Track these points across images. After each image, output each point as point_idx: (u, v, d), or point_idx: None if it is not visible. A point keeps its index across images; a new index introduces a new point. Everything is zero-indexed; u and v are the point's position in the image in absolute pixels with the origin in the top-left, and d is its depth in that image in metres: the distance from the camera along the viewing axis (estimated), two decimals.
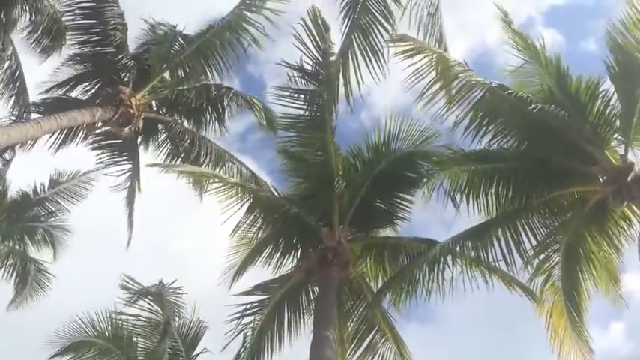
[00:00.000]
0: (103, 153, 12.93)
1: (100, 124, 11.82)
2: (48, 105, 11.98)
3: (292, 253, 10.74)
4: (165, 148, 12.95)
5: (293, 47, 9.22)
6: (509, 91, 9.00)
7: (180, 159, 12.85)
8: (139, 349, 11.21)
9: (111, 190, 12.99)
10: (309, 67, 9.40)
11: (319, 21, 9.03)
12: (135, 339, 11.22)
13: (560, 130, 8.82)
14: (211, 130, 12.91)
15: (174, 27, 12.10)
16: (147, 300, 11.14)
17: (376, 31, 8.53)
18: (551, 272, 9.15)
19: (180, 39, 11.95)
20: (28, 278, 14.01)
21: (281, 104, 10.04)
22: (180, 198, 14.34)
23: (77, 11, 11.63)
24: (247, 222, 10.38)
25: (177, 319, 11.29)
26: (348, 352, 10.37)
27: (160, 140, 12.95)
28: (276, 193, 10.92)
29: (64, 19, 11.96)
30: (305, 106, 9.75)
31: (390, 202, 10.84)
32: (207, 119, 12.79)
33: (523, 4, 22.78)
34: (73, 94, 12.28)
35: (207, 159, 12.61)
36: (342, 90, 8.68)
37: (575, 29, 24.37)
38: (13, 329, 15.50)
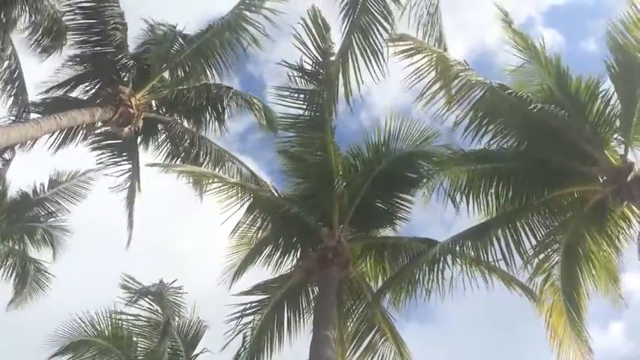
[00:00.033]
0: (102, 153, 12.94)
1: (99, 124, 11.82)
2: (47, 105, 11.97)
3: (292, 253, 10.74)
4: (165, 148, 12.95)
5: (293, 47, 9.24)
6: (509, 90, 9.01)
7: (180, 159, 12.85)
8: (138, 348, 11.20)
9: (111, 191, 13.00)
10: (309, 67, 9.40)
11: (319, 21, 9.03)
12: (135, 339, 11.21)
13: (560, 130, 8.83)
14: (211, 130, 12.94)
15: (174, 27, 12.10)
16: (147, 300, 11.13)
17: (376, 31, 8.53)
18: (551, 272, 9.16)
19: (179, 39, 11.95)
20: (28, 278, 14.00)
21: (281, 104, 10.07)
22: (180, 198, 14.35)
23: (77, 11, 11.63)
24: (247, 222, 10.39)
25: (177, 318, 11.28)
26: (348, 351, 10.37)
27: (159, 140, 12.95)
28: (276, 193, 10.92)
29: (64, 18, 11.96)
30: (305, 106, 9.75)
31: (389, 202, 10.85)
32: (207, 119, 12.80)
33: (523, 4, 22.81)
34: (73, 94, 12.30)
35: (207, 159, 12.61)
36: (341, 90, 8.70)
37: (575, 29, 24.39)
38: (13, 329, 15.51)
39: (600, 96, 8.86)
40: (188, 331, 11.42)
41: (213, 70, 12.20)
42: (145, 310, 11.22)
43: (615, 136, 8.98)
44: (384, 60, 8.44)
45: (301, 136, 10.18)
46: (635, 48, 8.50)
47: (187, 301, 11.40)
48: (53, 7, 12.11)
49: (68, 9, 11.66)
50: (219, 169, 12.41)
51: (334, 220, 10.12)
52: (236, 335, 9.80)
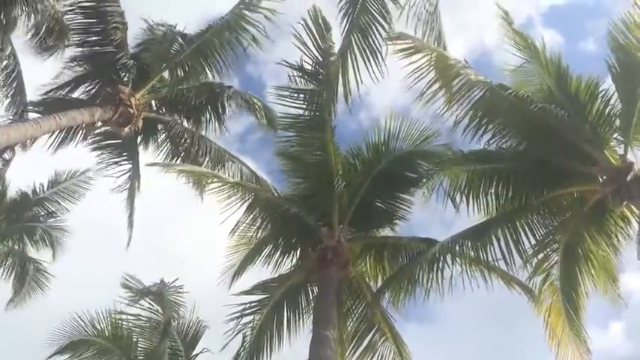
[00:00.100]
0: (102, 153, 12.94)
1: (99, 123, 11.83)
2: (47, 104, 11.97)
3: (292, 253, 10.74)
4: (165, 148, 12.97)
5: (292, 48, 9.24)
6: (509, 90, 9.01)
7: (179, 158, 12.86)
8: (138, 348, 11.19)
9: (111, 191, 13.01)
10: (309, 67, 9.40)
11: (320, 20, 9.03)
12: (135, 339, 11.20)
13: (560, 130, 8.82)
14: (211, 130, 12.95)
15: (174, 27, 12.10)
16: (147, 300, 11.12)
17: (375, 30, 8.52)
18: (550, 272, 9.15)
19: (179, 38, 11.96)
20: (27, 278, 13.99)
21: (281, 104, 10.07)
22: (180, 198, 14.35)
23: (77, 10, 11.64)
24: (247, 221, 10.38)
25: (177, 318, 11.27)
26: (348, 351, 10.36)
27: (159, 140, 12.96)
28: (275, 193, 10.92)
29: (64, 18, 11.96)
30: (305, 106, 9.75)
31: (389, 201, 10.85)
32: (207, 118, 12.81)
33: (522, 4, 22.83)
34: (73, 95, 12.30)
35: (207, 158, 12.61)
36: (341, 90, 8.70)
37: (574, 29, 24.41)
38: (13, 329, 15.50)
39: (600, 96, 8.86)
40: (187, 331, 11.42)
41: (213, 70, 12.22)
42: (145, 309, 11.22)
43: (615, 135, 8.97)
44: (383, 60, 8.43)
45: (301, 136, 10.18)
46: (636, 48, 8.50)
47: (187, 301, 11.41)
48: (54, 7, 12.11)
49: (69, 8, 11.66)
50: (220, 169, 12.42)
51: (334, 219, 10.12)
52: (236, 335, 9.82)
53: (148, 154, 13.03)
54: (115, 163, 12.96)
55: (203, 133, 12.85)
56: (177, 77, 12.16)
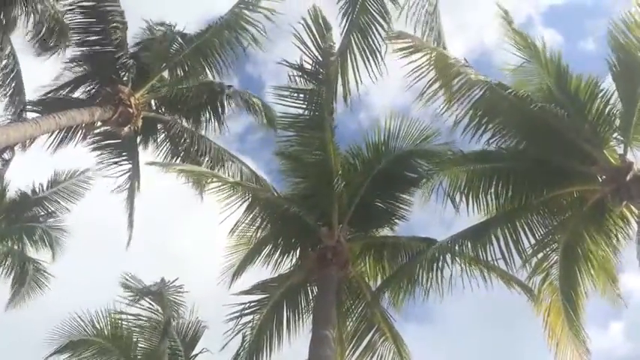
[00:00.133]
0: (102, 153, 12.94)
1: (99, 123, 11.82)
2: (46, 104, 11.97)
3: (291, 253, 10.74)
4: (165, 148, 12.97)
5: (292, 48, 9.25)
6: (509, 89, 9.01)
7: (179, 158, 12.85)
8: (138, 348, 11.19)
9: (111, 191, 13.01)
10: (309, 67, 9.40)
11: (320, 20, 9.03)
12: (134, 339, 11.19)
13: (560, 130, 8.82)
14: (211, 129, 12.95)
15: (173, 26, 12.11)
16: (147, 299, 11.11)
17: (375, 30, 8.53)
18: (550, 272, 9.15)
19: (179, 38, 11.96)
20: (26, 278, 13.98)
21: (280, 104, 10.07)
22: (180, 198, 14.35)
23: (77, 10, 11.63)
24: (246, 221, 10.38)
25: (176, 318, 11.26)
26: (347, 351, 10.36)
27: (159, 139, 12.97)
28: (275, 193, 10.92)
29: (65, 18, 11.96)
30: (304, 106, 9.75)
31: (389, 201, 10.85)
32: (207, 118, 12.81)
33: (522, 4, 22.84)
34: (73, 95, 12.29)
35: (207, 158, 12.61)
36: (341, 89, 8.70)
37: (573, 29, 24.43)
38: (12, 328, 15.49)
39: (600, 95, 8.86)
40: (187, 331, 11.41)
41: (213, 70, 12.22)
42: (145, 309, 11.22)
43: (615, 135, 8.98)
44: (382, 59, 8.43)
45: (301, 136, 10.18)
46: (636, 47, 8.50)
47: (187, 300, 11.41)
48: (54, 7, 12.11)
49: (68, 8, 11.67)
50: (219, 169, 12.42)
51: (333, 219, 10.12)
52: (235, 335, 9.82)
53: (147, 154, 13.05)
54: (115, 162, 12.96)
55: (203, 132, 12.85)
56: (177, 77, 12.16)
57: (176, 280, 11.36)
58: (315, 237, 10.14)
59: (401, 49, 8.85)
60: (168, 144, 12.92)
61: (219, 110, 12.76)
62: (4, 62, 12.01)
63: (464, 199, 9.51)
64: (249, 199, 10.23)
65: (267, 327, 10.14)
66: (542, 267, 9.10)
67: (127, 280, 10.78)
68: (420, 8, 8.68)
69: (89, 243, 16.74)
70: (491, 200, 9.54)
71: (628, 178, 8.48)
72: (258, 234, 10.56)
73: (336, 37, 9.00)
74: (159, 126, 12.95)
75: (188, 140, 12.65)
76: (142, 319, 11.21)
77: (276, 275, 10.62)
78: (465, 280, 9.11)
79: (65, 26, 12.02)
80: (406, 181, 10.75)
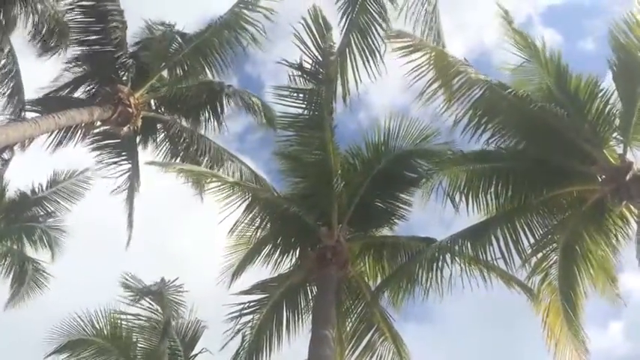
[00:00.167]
0: (101, 152, 12.93)
1: (98, 123, 11.82)
2: (46, 104, 11.96)
3: (291, 253, 10.73)
4: (164, 147, 12.96)
5: (291, 48, 9.25)
6: (509, 89, 9.01)
7: (179, 158, 12.84)
8: (137, 348, 11.17)
9: (110, 191, 13.00)
10: (309, 66, 9.39)
11: (320, 20, 9.02)
12: (134, 338, 11.18)
13: (559, 129, 8.82)
14: (210, 129, 12.95)
15: (173, 26, 12.10)
16: (147, 299, 11.09)
17: (374, 30, 8.53)
18: (549, 271, 9.15)
19: (178, 37, 11.96)
20: (26, 277, 13.97)
21: (280, 103, 10.07)
22: (180, 198, 14.34)
23: (77, 9, 11.63)
24: (246, 221, 10.37)
25: (176, 318, 11.24)
26: (347, 351, 10.35)
27: (158, 139, 12.96)
28: (275, 193, 10.92)
29: (65, 18, 11.95)
30: (304, 106, 9.74)
31: (389, 201, 10.84)
32: (207, 117, 12.80)
33: (522, 4, 22.84)
34: (73, 95, 12.29)
35: (206, 158, 12.60)
36: (340, 89, 8.71)
37: (572, 29, 24.43)
38: (11, 328, 15.49)
39: (600, 95, 8.87)
40: (187, 331, 11.39)
41: (212, 69, 12.22)
42: (145, 309, 11.19)
43: (614, 135, 8.98)
44: (382, 59, 8.43)
45: (300, 135, 10.17)
46: (636, 47, 8.50)
47: (186, 300, 11.38)
48: (54, 7, 12.10)
49: (68, 7, 11.66)
50: (219, 168, 12.41)
51: (333, 219, 10.12)
52: (235, 335, 9.81)
53: (147, 154, 13.05)
54: (114, 162, 12.95)
55: (202, 132, 12.85)
56: (177, 76, 12.16)
57: (176, 279, 11.36)
58: (314, 237, 10.14)
59: (400, 48, 8.86)
60: (167, 144, 12.91)
61: (219, 110, 12.76)
62: (2, 62, 11.99)
63: (463, 198, 9.51)
64: (249, 199, 10.22)
65: (266, 327, 10.13)
66: (542, 267, 9.10)
67: (127, 279, 10.75)
68: (420, 8, 8.68)
69: (89, 243, 16.75)
70: (491, 200, 9.55)
71: (627, 177, 8.48)
72: (258, 234, 10.55)
73: (336, 37, 9.02)
74: (158, 126, 12.94)
75: (187, 140, 12.65)
76: (142, 319, 11.19)
77: (276, 275, 10.62)
78: (464, 280, 9.10)
79: (65, 26, 12.01)
80: (406, 181, 10.75)
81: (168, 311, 10.87)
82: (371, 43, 8.50)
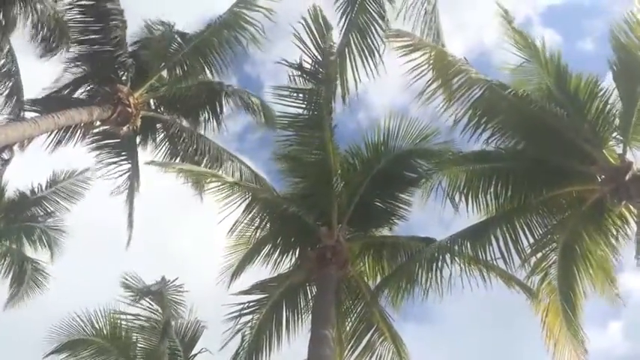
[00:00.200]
0: (101, 152, 12.92)
1: (97, 123, 11.81)
2: (45, 103, 11.96)
3: (290, 253, 10.72)
4: (164, 147, 12.96)
5: (290, 48, 9.24)
6: (509, 89, 9.01)
7: (178, 158, 12.84)
8: (137, 348, 11.16)
9: (110, 192, 13.00)
10: (309, 66, 9.39)
11: (320, 20, 9.02)
12: (134, 338, 11.17)
13: (559, 129, 8.82)
14: (210, 129, 12.95)
15: (172, 25, 12.10)
16: (147, 299, 11.08)
17: (373, 30, 8.53)
18: (548, 271, 9.15)
19: (177, 37, 11.96)
20: (25, 277, 13.96)
21: (280, 103, 10.06)
22: (180, 198, 14.34)
23: (77, 9, 11.63)
24: (245, 221, 10.36)
25: (176, 317, 11.23)
26: (346, 351, 10.35)
27: (158, 139, 12.95)
28: (274, 192, 10.91)
29: (65, 18, 11.95)
30: (304, 105, 9.74)
31: (388, 201, 10.84)
32: (206, 117, 12.80)
33: (521, 4, 22.84)
34: (72, 95, 12.29)
35: (206, 157, 12.59)
36: (340, 89, 8.70)
37: (572, 29, 24.44)
38: (11, 328, 15.48)
39: (599, 95, 8.87)
40: (186, 331, 11.39)
41: (212, 69, 12.22)
42: (144, 309, 11.18)
43: (614, 135, 8.98)
44: (381, 59, 8.44)
45: (300, 135, 10.16)
46: (637, 47, 8.49)
47: (186, 300, 11.38)
48: (53, 8, 12.09)
49: (68, 7, 11.66)
50: (219, 168, 12.40)
51: (333, 219, 10.12)
52: (235, 335, 9.81)
53: (146, 154, 13.04)
54: (114, 162, 12.95)
55: (202, 132, 12.84)
56: (176, 76, 12.16)
57: (177, 279, 11.34)
58: (314, 237, 10.13)
59: (400, 48, 8.86)
60: (167, 143, 12.91)
61: (218, 109, 12.75)
62: (2, 61, 11.98)
63: (463, 198, 9.51)
64: (249, 199, 10.21)
65: (266, 327, 10.13)
66: (541, 267, 9.10)
67: (127, 279, 10.74)
68: (419, 8, 8.68)
69: (89, 243, 16.74)
70: (491, 200, 9.54)
71: (627, 177, 8.48)
72: (258, 234, 10.54)
73: (335, 37, 9.01)
74: (158, 125, 12.94)
75: (187, 140, 12.64)
76: (142, 319, 11.18)
77: (276, 275, 10.61)
78: (464, 280, 9.09)
79: (65, 26, 12.01)
80: (405, 181, 10.75)
81: (168, 311, 10.86)
82: (370, 43, 8.50)
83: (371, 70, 8.41)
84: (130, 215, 13.11)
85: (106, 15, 11.46)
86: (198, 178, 11.74)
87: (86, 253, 16.92)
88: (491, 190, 9.48)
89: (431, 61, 8.96)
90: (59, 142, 12.17)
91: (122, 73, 11.98)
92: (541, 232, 9.20)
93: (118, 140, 12.58)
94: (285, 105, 9.93)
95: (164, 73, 12.29)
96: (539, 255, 9.16)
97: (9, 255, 14.12)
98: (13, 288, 13.97)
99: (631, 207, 8.82)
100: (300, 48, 9.16)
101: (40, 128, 10.31)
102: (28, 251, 14.52)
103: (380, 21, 8.49)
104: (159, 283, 11.04)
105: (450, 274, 9.09)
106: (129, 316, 11.10)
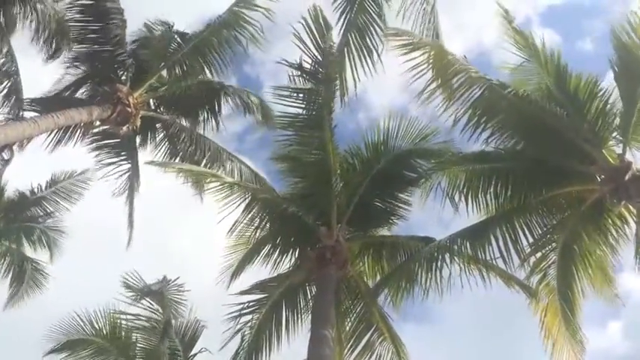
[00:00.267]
0: (101, 152, 12.92)
1: (97, 122, 11.81)
2: (45, 103, 11.96)
3: (290, 253, 10.72)
4: (164, 147, 12.95)
5: (289, 48, 9.24)
6: (508, 89, 9.01)
7: (178, 157, 12.84)
8: (137, 348, 11.15)
9: (111, 192, 13.00)
10: (309, 66, 9.39)
11: (320, 20, 9.01)
12: (133, 338, 11.16)
13: (559, 129, 8.83)
14: (209, 128, 12.95)
15: (172, 25, 12.10)
16: (147, 299, 11.06)
17: (373, 30, 8.53)
18: (547, 271, 9.15)
19: (177, 37, 11.96)
20: (25, 277, 13.97)
21: (280, 103, 10.05)
22: (179, 197, 14.34)
23: (77, 8, 11.63)
24: (245, 221, 10.35)
25: (176, 317, 11.22)
26: (346, 351, 10.35)
27: (157, 139, 12.95)
28: (274, 192, 10.91)
29: (65, 17, 11.95)
30: (303, 105, 9.74)
31: (388, 201, 10.83)
32: (206, 117, 12.79)
33: (520, 4, 22.86)
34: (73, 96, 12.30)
35: (206, 157, 12.58)
36: (339, 89, 8.71)
37: (571, 29, 24.45)
38: (10, 327, 15.48)
39: (599, 95, 8.86)
40: (186, 331, 11.38)
41: (211, 68, 12.22)
42: (145, 309, 11.17)
43: (614, 134, 8.98)
44: (379, 58, 8.44)
45: (300, 135, 10.14)
46: (639, 47, 8.49)
47: (186, 300, 11.37)
48: (53, 8, 12.10)
49: (68, 6, 11.66)
50: (219, 168, 12.40)
51: (332, 219, 10.11)
52: (234, 335, 9.80)
53: (146, 154, 13.04)
54: (114, 162, 12.95)
55: (201, 131, 12.84)
56: (176, 76, 12.16)
57: (177, 278, 11.32)
58: (313, 236, 10.13)
59: (399, 46, 8.85)
60: (167, 143, 12.91)
61: (217, 109, 12.75)
62: (1, 61, 11.98)
63: (463, 198, 9.51)
64: (248, 199, 10.20)
65: (266, 327, 10.13)
66: (540, 267, 9.11)
67: (128, 279, 10.72)
68: (418, 8, 8.68)
69: (89, 243, 16.74)
70: (491, 200, 9.54)
71: (627, 177, 8.48)
72: (257, 234, 10.52)
73: (334, 37, 9.00)
74: (157, 125, 12.94)
75: (187, 139, 12.64)
76: (142, 319, 11.17)
77: (275, 275, 10.61)
78: (463, 280, 9.09)
79: (66, 28, 12.01)
80: (405, 181, 10.74)
81: (169, 311, 10.86)
82: (369, 43, 8.50)
83: (370, 70, 8.41)
84: (130, 215, 13.12)
85: (105, 14, 11.46)
86: (198, 178, 11.74)
87: (86, 253, 16.93)
88: (491, 189, 9.48)
89: (430, 61, 8.96)
90: (59, 142, 12.17)
91: (122, 72, 11.98)
92: (540, 232, 9.21)
93: (118, 140, 12.58)
94: (284, 105, 9.93)
95: (164, 72, 12.29)
96: (538, 255, 9.16)
97: (9, 255, 14.12)
98: (12, 288, 13.98)
99: (630, 207, 8.82)
100: (300, 48, 9.16)
101: (40, 128, 10.31)
102: (28, 251, 14.53)
103: (379, 21, 8.49)
104: (160, 282, 11.03)
105: (450, 274, 9.11)
106: (129, 316, 11.09)
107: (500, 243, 8.95)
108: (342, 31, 8.44)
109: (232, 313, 9.92)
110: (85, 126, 11.87)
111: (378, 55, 8.41)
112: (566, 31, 24.34)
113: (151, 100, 12.61)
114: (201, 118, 12.81)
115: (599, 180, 8.88)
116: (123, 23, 11.68)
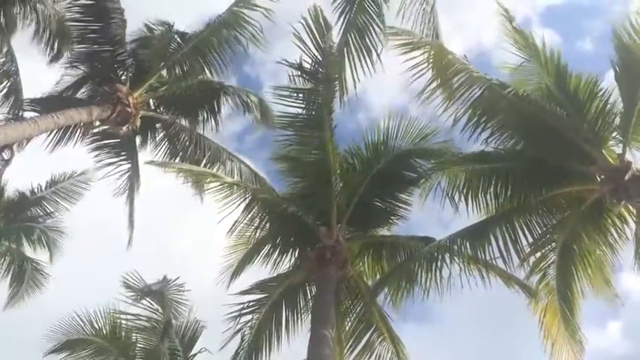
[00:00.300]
0: (101, 152, 12.92)
1: (97, 122, 11.81)
2: (44, 103, 11.96)
3: (290, 252, 10.72)
4: (163, 147, 12.95)
5: (289, 49, 9.25)
6: (508, 88, 9.01)
7: (178, 157, 12.84)
8: (137, 348, 11.15)
9: (111, 192, 13.00)
10: (309, 66, 9.39)
11: (320, 20, 9.02)
12: (133, 338, 11.16)
13: (559, 129, 8.83)
14: (209, 128, 12.95)
15: (171, 25, 12.10)
16: (147, 299, 11.06)
17: (372, 30, 8.53)
18: (547, 271, 9.15)
19: (177, 37, 11.96)
20: (25, 277, 13.97)
21: (280, 103, 10.06)
22: (179, 197, 14.34)
23: (77, 8, 11.63)
24: (245, 221, 10.35)
25: (176, 317, 11.22)
26: (346, 351, 10.36)
27: (157, 139, 12.95)
28: (274, 192, 10.91)
29: (65, 18, 11.95)
30: (303, 105, 9.74)
31: (388, 201, 10.84)
32: (205, 117, 12.79)
33: (520, 4, 22.87)
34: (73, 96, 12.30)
35: (206, 157, 12.59)
36: (339, 89, 8.71)
37: (571, 29, 24.46)
38: (10, 327, 15.48)
39: (599, 95, 8.86)
40: (186, 331, 11.37)
41: (211, 68, 12.22)
42: (145, 308, 11.17)
43: (613, 135, 8.98)
44: (379, 58, 8.44)
45: (299, 135, 10.15)
46: (639, 48, 8.50)
47: (186, 300, 11.37)
48: (54, 8, 12.10)
49: (68, 6, 11.66)
50: (218, 168, 12.40)
51: (332, 219, 10.12)
52: (234, 335, 9.81)
53: (146, 154, 13.04)
54: (114, 162, 12.95)
55: (201, 131, 12.84)
56: (175, 76, 12.16)
57: (178, 278, 11.32)
58: (313, 236, 10.13)
59: (399, 46, 8.86)
60: (166, 143, 12.91)
61: (217, 109, 12.75)
62: (1, 61, 11.98)
63: (463, 198, 9.51)
64: (248, 199, 10.20)
65: (266, 327, 10.13)
66: (540, 267, 9.11)
67: (129, 279, 10.72)
68: (418, 8, 8.68)
69: (89, 243, 16.73)
70: (490, 200, 9.54)
71: (626, 177, 8.48)
72: (257, 234, 10.53)
73: (333, 37, 9.00)
74: (157, 125, 12.94)
75: (187, 139, 12.64)
76: (142, 319, 11.17)
77: (275, 275, 10.61)
78: (463, 280, 9.10)
79: (67, 28, 12.02)
80: (405, 181, 10.75)
81: (169, 311, 10.86)
82: (369, 42, 8.50)
83: (370, 69, 8.41)
84: (131, 215, 13.11)
85: (105, 14, 11.46)
86: (198, 178, 11.74)
87: (86, 253, 16.92)
88: (491, 189, 9.48)
89: (430, 60, 8.96)
90: (59, 142, 12.17)
91: (122, 72, 11.98)
92: (540, 231, 9.21)
93: (118, 140, 12.57)
94: (284, 105, 9.94)
95: (164, 72, 12.29)
96: (538, 255, 9.16)
97: (8, 254, 14.12)
98: (12, 288, 13.97)
99: (630, 207, 8.82)
100: (300, 48, 9.17)
101: (40, 128, 10.31)
102: (28, 251, 14.53)
103: (379, 21, 8.50)
104: (160, 282, 11.03)
105: (450, 274, 9.11)
106: (129, 316, 11.09)
107: (500, 243, 8.95)
108: (341, 31, 8.45)
109: (232, 313, 9.94)
110: (85, 126, 11.87)
111: (378, 55, 8.42)
112: (566, 31, 24.37)
113: (151, 100, 12.61)
114: (201, 118, 12.81)
115: (599, 180, 8.88)
116: (123, 23, 11.68)
